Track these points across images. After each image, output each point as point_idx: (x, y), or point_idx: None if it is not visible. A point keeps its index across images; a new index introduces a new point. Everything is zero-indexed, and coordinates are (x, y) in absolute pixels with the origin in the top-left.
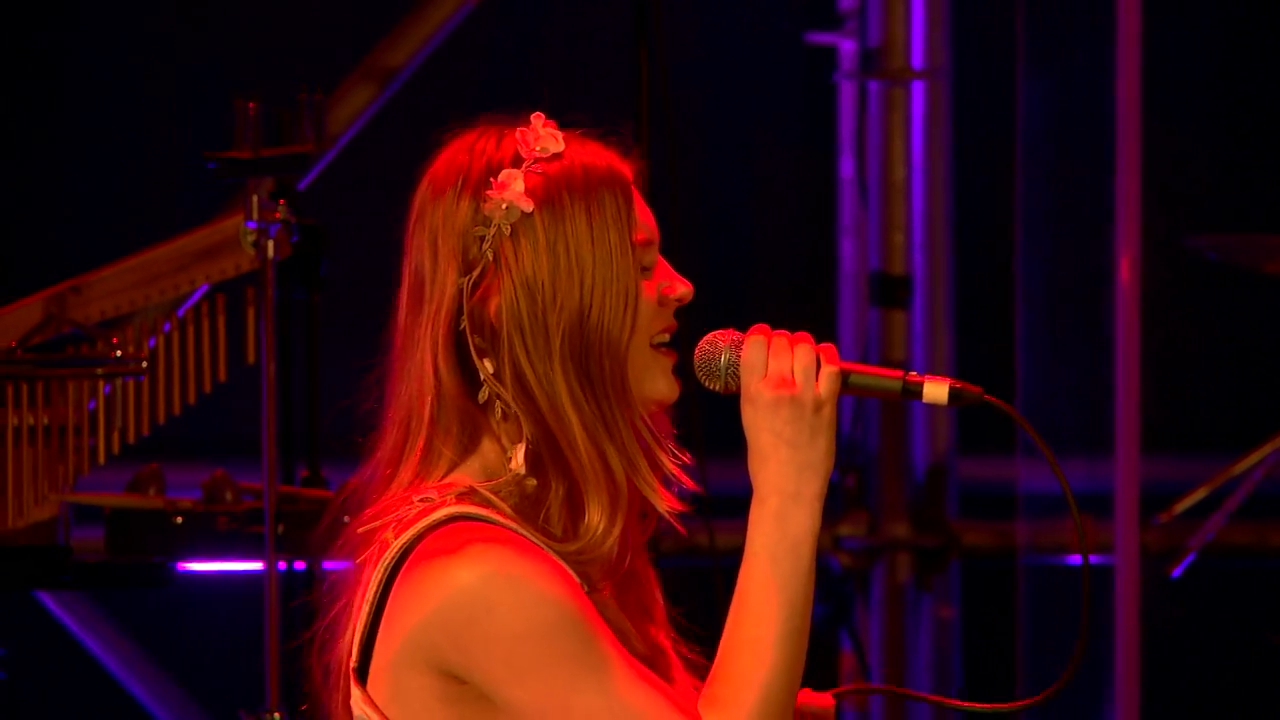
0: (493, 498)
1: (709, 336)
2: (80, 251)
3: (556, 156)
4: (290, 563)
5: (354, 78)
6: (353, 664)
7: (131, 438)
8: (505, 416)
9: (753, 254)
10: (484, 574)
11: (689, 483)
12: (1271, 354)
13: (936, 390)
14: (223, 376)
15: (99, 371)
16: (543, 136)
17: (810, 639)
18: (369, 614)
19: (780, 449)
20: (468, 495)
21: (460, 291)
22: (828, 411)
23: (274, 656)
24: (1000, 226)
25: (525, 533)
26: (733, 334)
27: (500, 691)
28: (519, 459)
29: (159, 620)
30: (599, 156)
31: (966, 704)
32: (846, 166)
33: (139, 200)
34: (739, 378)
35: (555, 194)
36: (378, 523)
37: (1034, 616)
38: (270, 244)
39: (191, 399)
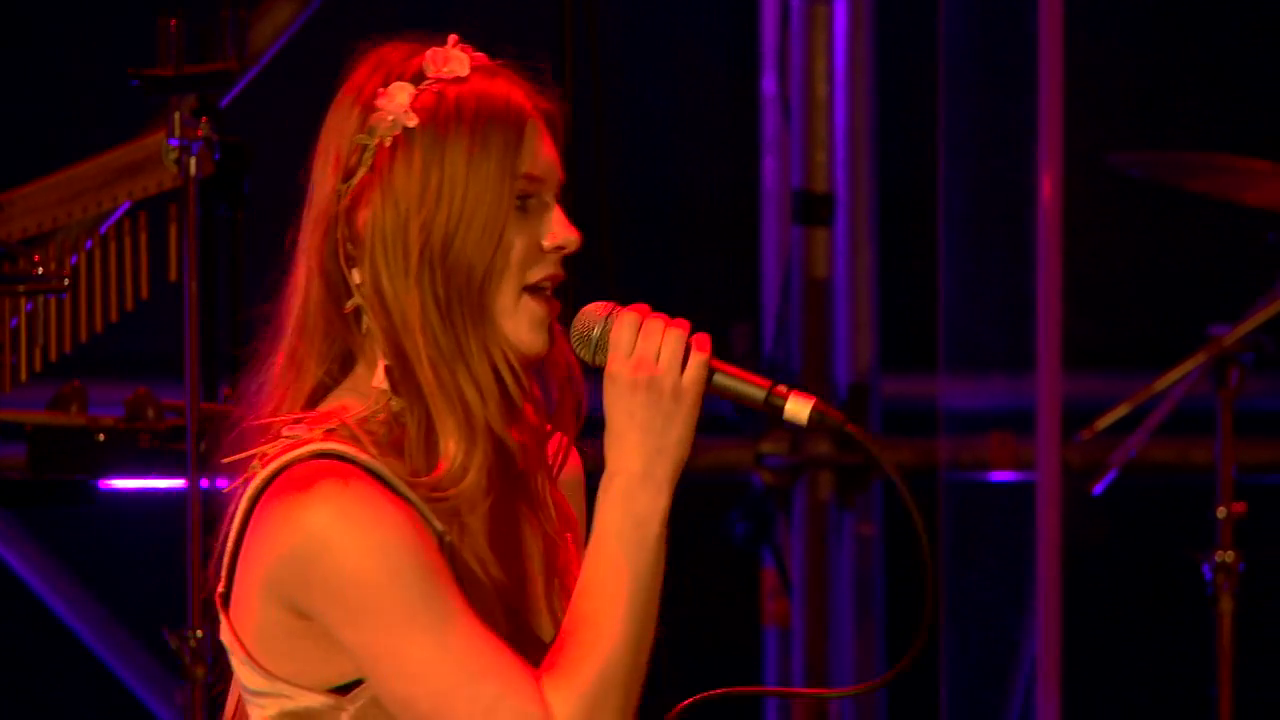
0: (359, 432)
1: (590, 305)
2: (1, 169)
3: (459, 79)
4: (212, 480)
5: None
6: (220, 590)
7: (53, 355)
8: (369, 332)
9: (675, 172)
10: (328, 514)
11: (533, 419)
12: (1193, 271)
13: (798, 409)
14: (145, 294)
15: (20, 289)
16: (450, 59)
17: (733, 556)
18: (233, 544)
19: (632, 431)
20: (336, 431)
21: (338, 196)
22: (689, 399)
23: (196, 574)
24: (923, 143)
25: (387, 471)
26: (612, 307)
27: (338, 633)
28: (379, 376)
29: (81, 538)
30: (501, 87)
31: (815, 691)
32: (769, 84)
33: (60, 117)
34: (607, 352)
35: (442, 116)
36: (248, 453)
37: (955, 533)
38: (192, 161)
39: (113, 316)
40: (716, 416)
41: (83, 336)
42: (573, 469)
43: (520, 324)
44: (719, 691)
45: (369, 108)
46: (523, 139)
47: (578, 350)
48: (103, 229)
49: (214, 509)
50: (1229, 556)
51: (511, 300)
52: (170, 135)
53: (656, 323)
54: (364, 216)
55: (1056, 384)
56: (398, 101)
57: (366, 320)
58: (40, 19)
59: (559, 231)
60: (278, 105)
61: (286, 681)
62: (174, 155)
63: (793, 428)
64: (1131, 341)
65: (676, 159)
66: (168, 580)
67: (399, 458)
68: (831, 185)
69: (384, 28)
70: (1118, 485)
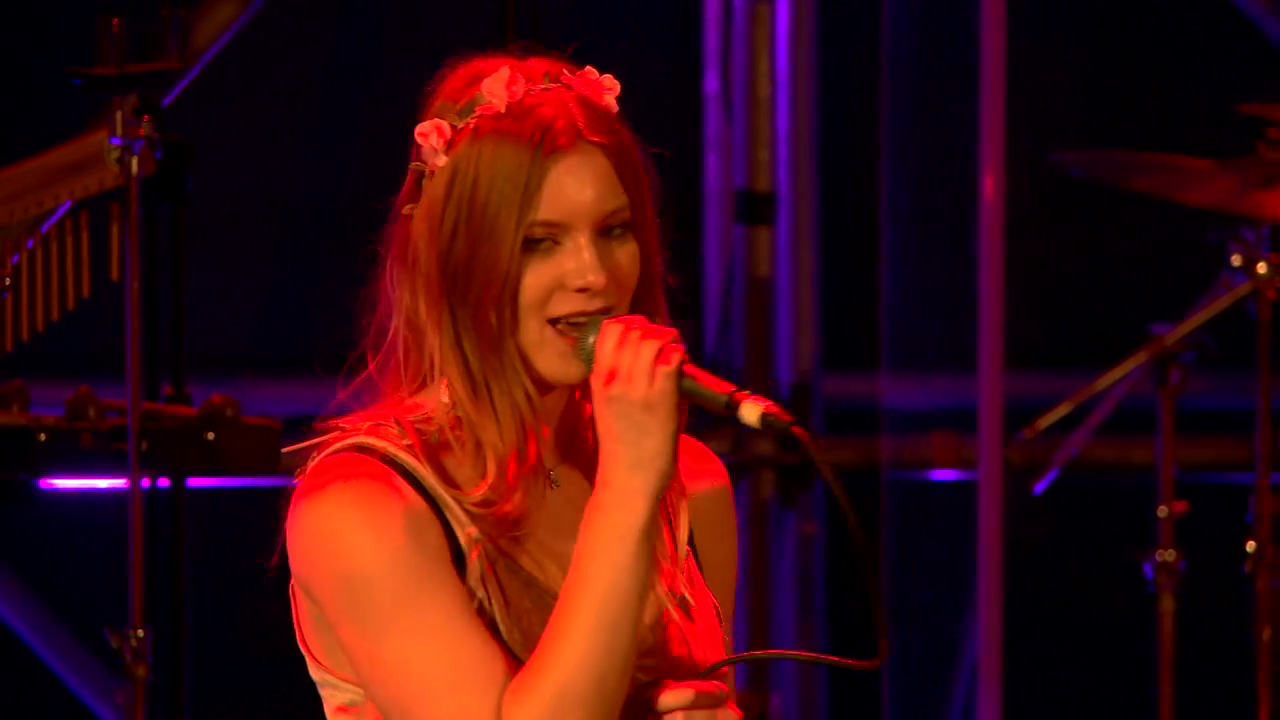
0: (408, 428)
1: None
2: None
3: (496, 115)
4: (154, 480)
5: None
6: (291, 584)
7: None
8: None
9: None
10: (326, 509)
11: (529, 458)
12: (1135, 270)
13: (750, 411)
14: (86, 293)
15: None
16: (493, 92)
17: None
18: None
19: (610, 444)
20: (382, 426)
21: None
22: (661, 411)
23: (138, 573)
24: (865, 143)
25: (422, 469)
26: (612, 321)
27: (331, 626)
28: (444, 390)
29: (22, 537)
30: (529, 127)
31: (836, 660)
32: (711, 83)
33: (1, 116)
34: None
35: (464, 159)
36: (308, 443)
37: (896, 531)
38: (134, 160)
39: (55, 315)
40: None
41: (24, 335)
42: (709, 480)
43: (548, 358)
44: (745, 656)
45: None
46: (541, 186)
47: (585, 365)
48: (44, 228)
49: (155, 508)
50: (1170, 555)
51: (536, 335)
52: (112, 134)
53: (635, 333)
54: (408, 244)
55: (998, 383)
56: (431, 142)
57: None
58: None
59: (577, 274)
60: (219, 104)
61: (330, 672)
62: (116, 154)
63: (740, 428)
64: (1073, 340)
65: None
66: (109, 580)
67: (437, 464)
68: (774, 184)
69: (325, 29)
70: (1059, 484)
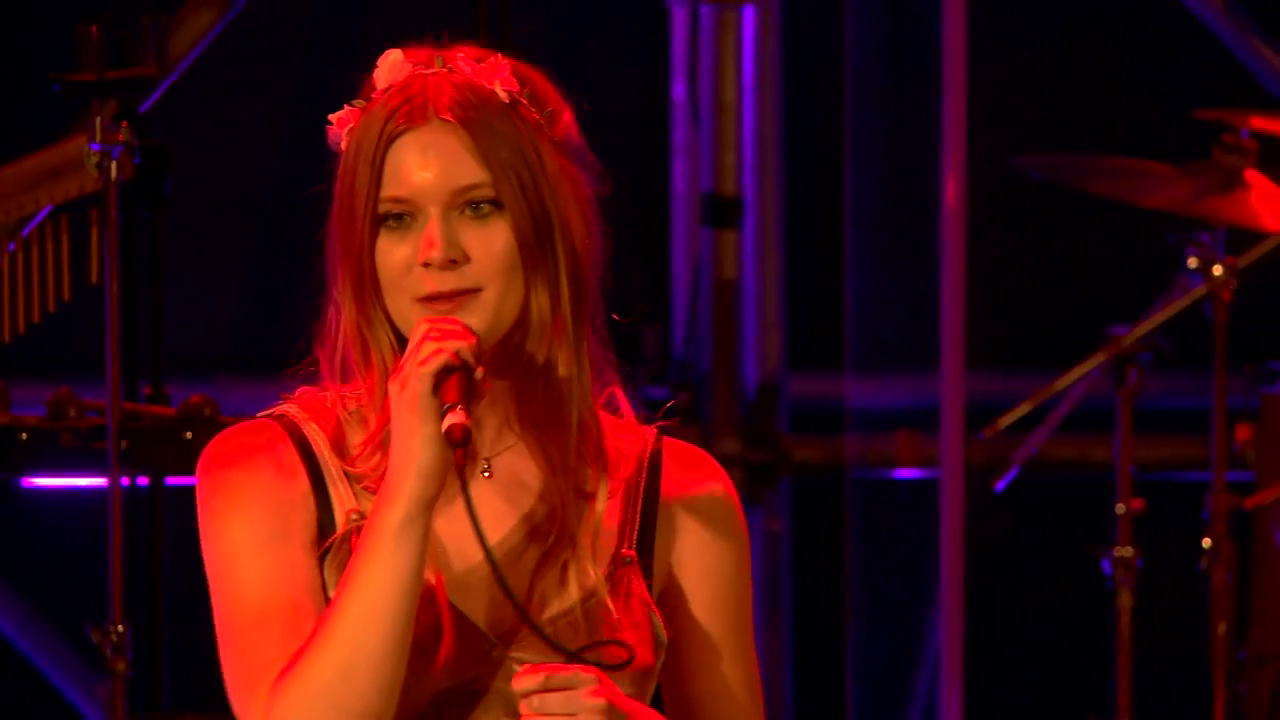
0: (328, 403)
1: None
2: None
3: (377, 97)
4: (133, 478)
5: (196, 0)
6: None
7: None
8: None
9: None
10: (200, 472)
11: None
12: (1094, 272)
13: (445, 423)
14: (66, 296)
15: None
16: (380, 74)
17: None
18: None
19: (391, 441)
20: (310, 399)
21: None
22: (416, 411)
23: (117, 571)
24: (829, 147)
25: (324, 443)
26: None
27: None
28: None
29: (4, 535)
30: (391, 103)
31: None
32: (679, 89)
33: None
34: None
35: (351, 135)
36: (273, 407)
37: (862, 529)
38: (113, 165)
39: (36, 317)
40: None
41: (5, 337)
42: (698, 488)
43: (414, 336)
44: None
45: None
46: (384, 162)
47: None
48: (25, 232)
49: (135, 506)
50: (1128, 552)
51: (405, 313)
52: (91, 140)
53: (434, 333)
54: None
55: (960, 383)
56: (335, 126)
57: None
58: None
59: (420, 250)
60: (197, 109)
61: None
62: (95, 159)
63: (705, 424)
64: (1033, 341)
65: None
66: (89, 576)
67: (339, 440)
68: (740, 188)
69: (303, 35)
70: (1020, 482)
